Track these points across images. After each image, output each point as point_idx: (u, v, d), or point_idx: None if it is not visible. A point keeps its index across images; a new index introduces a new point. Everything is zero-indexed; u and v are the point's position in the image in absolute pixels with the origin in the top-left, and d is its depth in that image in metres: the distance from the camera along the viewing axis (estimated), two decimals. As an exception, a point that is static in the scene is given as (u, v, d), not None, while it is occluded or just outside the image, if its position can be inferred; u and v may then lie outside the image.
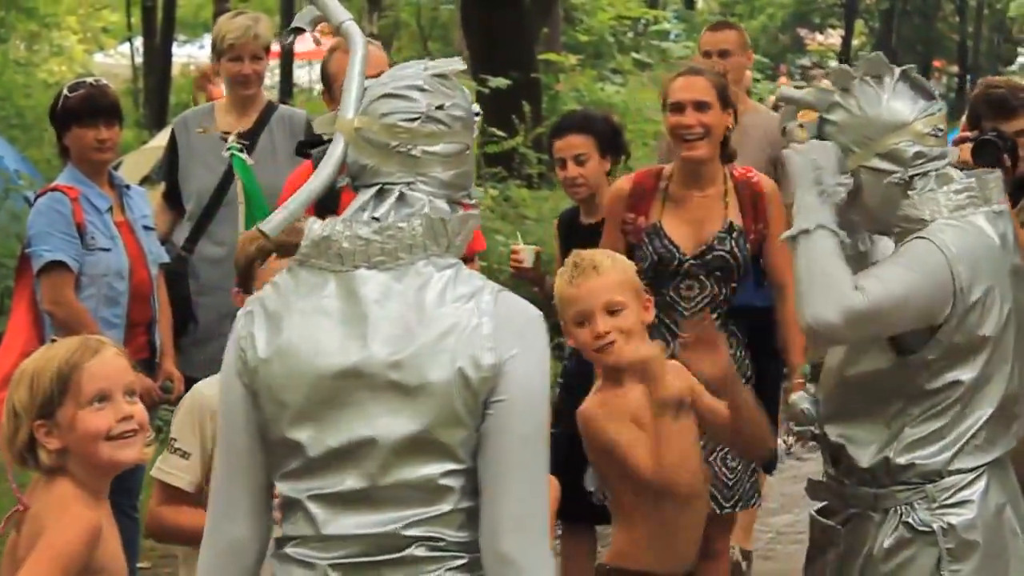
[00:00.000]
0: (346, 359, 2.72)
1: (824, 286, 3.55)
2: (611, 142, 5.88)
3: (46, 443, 3.23)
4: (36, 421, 3.22)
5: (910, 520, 3.63)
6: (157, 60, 20.43)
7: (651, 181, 5.40)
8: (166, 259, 5.80)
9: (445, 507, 2.72)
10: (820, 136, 3.71)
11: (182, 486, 3.57)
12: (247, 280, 3.72)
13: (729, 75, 5.73)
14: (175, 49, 21.91)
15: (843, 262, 3.59)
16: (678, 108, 5.33)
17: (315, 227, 2.78)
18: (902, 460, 3.64)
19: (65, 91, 5.74)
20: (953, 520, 3.63)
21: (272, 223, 2.81)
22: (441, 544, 2.72)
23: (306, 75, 29.61)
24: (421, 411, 2.70)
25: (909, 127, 3.68)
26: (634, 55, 18.97)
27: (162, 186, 6.34)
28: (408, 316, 2.72)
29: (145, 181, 9.57)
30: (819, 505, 3.83)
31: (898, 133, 3.66)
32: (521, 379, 2.73)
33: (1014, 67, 32.39)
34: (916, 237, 3.61)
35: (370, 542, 2.71)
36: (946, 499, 3.65)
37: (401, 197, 2.79)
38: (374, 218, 2.77)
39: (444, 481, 2.72)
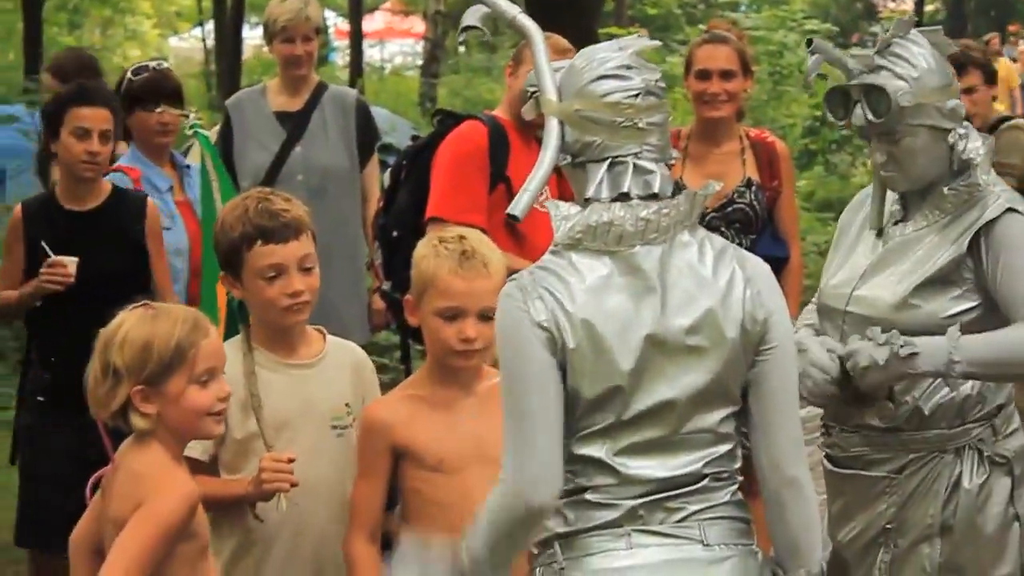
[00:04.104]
0: (648, 331, 2.96)
1: None
2: None
3: (142, 407, 3.30)
4: (138, 386, 3.30)
5: (989, 453, 3.78)
6: (228, 43, 20.62)
7: (671, 141, 5.58)
8: (226, 237, 5.93)
9: (726, 446, 3.04)
10: (871, 97, 3.74)
11: (197, 456, 3.68)
12: (235, 265, 3.83)
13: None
14: (246, 31, 22.11)
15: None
16: (704, 75, 5.63)
17: (586, 214, 2.98)
18: (976, 398, 3.77)
19: (129, 75, 5.92)
20: (1015, 447, 3.82)
21: (520, 206, 2.99)
22: (724, 475, 3.04)
23: (377, 53, 29.81)
24: (712, 366, 2.99)
25: (954, 85, 3.82)
26: (702, 27, 18.98)
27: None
28: (689, 284, 2.99)
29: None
30: (831, 468, 3.94)
31: (951, 91, 3.79)
32: (782, 327, 3.05)
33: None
34: (1006, 212, 3.69)
35: (669, 480, 2.99)
36: (1007, 430, 3.82)
37: (635, 168, 3.01)
38: (652, 195, 3.00)
39: (725, 424, 3.03)
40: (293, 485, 3.70)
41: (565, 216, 3.01)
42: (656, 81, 3.05)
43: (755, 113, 13.29)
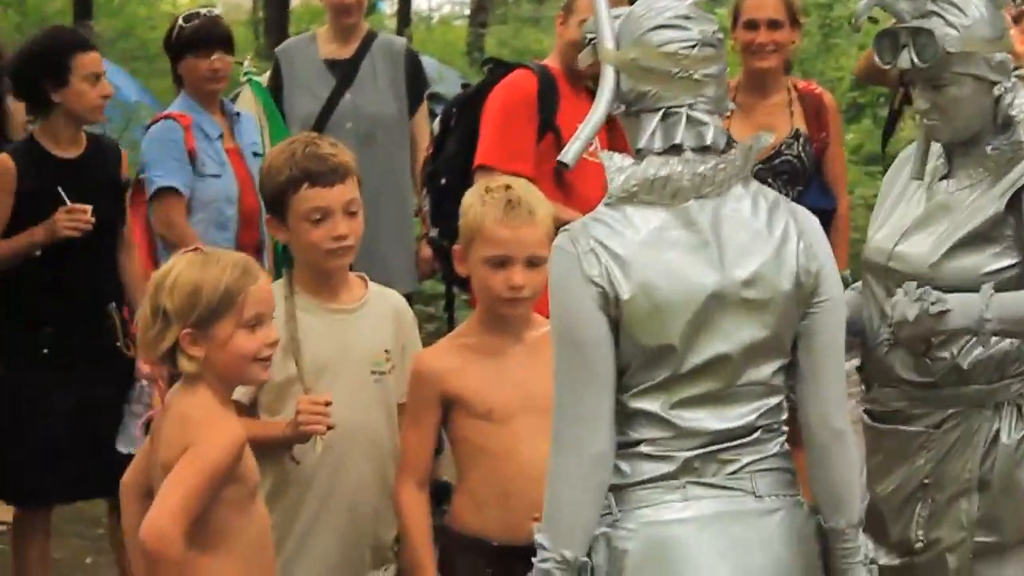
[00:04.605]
0: (706, 285, 2.96)
1: None
2: None
3: (190, 350, 3.35)
4: (186, 329, 3.35)
5: None
6: (276, -9, 20.59)
7: None
8: (275, 185, 5.95)
9: (776, 398, 3.07)
10: (918, 41, 3.73)
11: (238, 398, 3.70)
12: (281, 209, 3.86)
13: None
14: (295, -21, 22.08)
15: None
16: (752, 26, 5.66)
17: (643, 167, 2.98)
18: (1016, 353, 3.77)
19: (180, 21, 5.93)
20: None
21: (571, 153, 3.00)
22: (774, 426, 3.07)
23: (424, 3, 29.77)
24: (767, 320, 3.00)
25: (1005, 39, 3.79)
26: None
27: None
28: (743, 237, 3.00)
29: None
30: (871, 423, 3.95)
31: (1001, 43, 3.76)
32: (833, 279, 3.06)
33: None
34: None
35: (724, 432, 3.01)
36: None
37: (689, 120, 3.01)
38: (704, 147, 3.00)
39: (777, 376, 3.06)
40: (330, 428, 3.74)
41: (620, 168, 3.01)
42: (714, 32, 3.04)
43: (804, 66, 13.23)
